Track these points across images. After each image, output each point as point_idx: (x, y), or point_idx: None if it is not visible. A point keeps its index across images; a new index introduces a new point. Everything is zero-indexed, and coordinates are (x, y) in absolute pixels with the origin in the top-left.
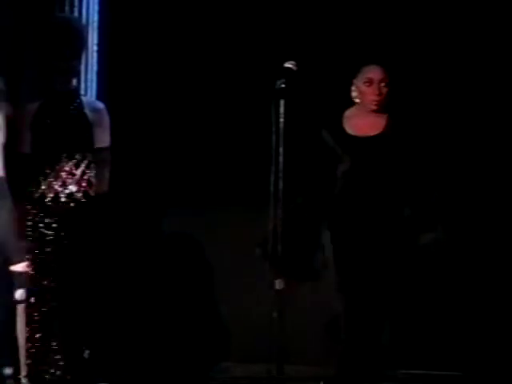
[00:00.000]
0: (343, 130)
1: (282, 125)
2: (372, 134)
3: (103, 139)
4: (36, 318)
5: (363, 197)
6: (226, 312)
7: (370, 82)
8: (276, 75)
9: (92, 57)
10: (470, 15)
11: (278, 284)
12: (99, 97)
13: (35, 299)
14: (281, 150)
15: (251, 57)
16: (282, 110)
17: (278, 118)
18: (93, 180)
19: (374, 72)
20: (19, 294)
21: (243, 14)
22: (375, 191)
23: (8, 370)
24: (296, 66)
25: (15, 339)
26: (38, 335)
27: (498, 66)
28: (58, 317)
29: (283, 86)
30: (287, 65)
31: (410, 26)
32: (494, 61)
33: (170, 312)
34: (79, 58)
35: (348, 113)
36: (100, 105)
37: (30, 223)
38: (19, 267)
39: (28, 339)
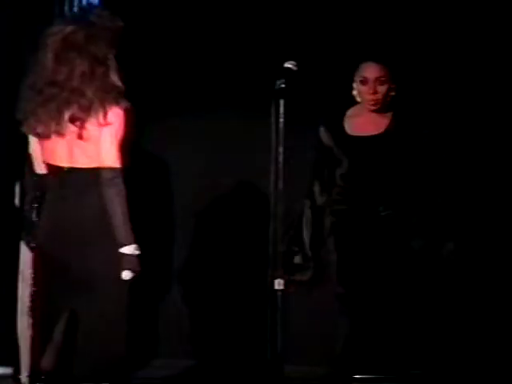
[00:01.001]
0: (342, 129)
1: (281, 125)
2: (373, 133)
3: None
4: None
5: (361, 200)
6: (224, 312)
7: (364, 80)
8: (276, 75)
9: None
10: (478, 11)
11: (278, 284)
12: None
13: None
14: (280, 149)
15: (251, 57)
16: (281, 109)
17: (277, 118)
18: None
19: (368, 70)
20: (125, 274)
21: (243, 13)
22: (374, 194)
23: None
24: (296, 66)
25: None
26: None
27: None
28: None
29: (283, 86)
30: (287, 65)
31: (416, 22)
32: (503, 58)
33: (167, 307)
34: None
35: (349, 112)
36: None
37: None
38: (129, 250)
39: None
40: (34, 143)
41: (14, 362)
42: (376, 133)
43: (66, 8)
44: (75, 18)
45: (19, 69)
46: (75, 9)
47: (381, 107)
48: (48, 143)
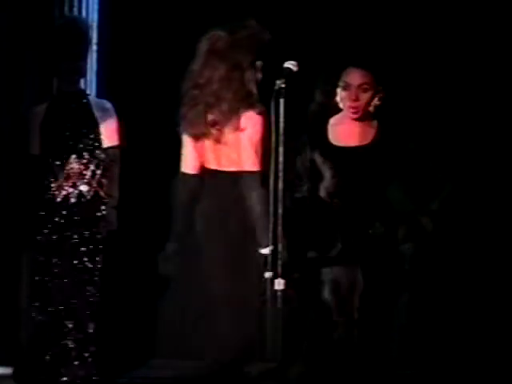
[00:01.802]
0: (326, 138)
1: (281, 125)
2: (358, 144)
3: (112, 138)
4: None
5: (345, 215)
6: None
7: (346, 86)
8: (276, 75)
9: (91, 57)
10: (469, 17)
11: (278, 284)
12: (98, 97)
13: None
14: (280, 149)
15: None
16: (281, 110)
17: (277, 117)
18: (103, 180)
19: (351, 76)
20: (268, 275)
21: (243, 13)
22: (358, 209)
23: None
24: (296, 66)
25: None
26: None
27: (500, 66)
28: (66, 317)
29: (283, 85)
30: (287, 65)
31: (411, 28)
32: (494, 62)
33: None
34: (86, 59)
35: (333, 120)
36: (107, 104)
37: (39, 224)
38: (267, 251)
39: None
40: (186, 144)
41: (14, 362)
42: (361, 144)
43: (66, 8)
44: (226, 26)
45: (19, 69)
46: (75, 9)
47: (362, 116)
48: (200, 146)
